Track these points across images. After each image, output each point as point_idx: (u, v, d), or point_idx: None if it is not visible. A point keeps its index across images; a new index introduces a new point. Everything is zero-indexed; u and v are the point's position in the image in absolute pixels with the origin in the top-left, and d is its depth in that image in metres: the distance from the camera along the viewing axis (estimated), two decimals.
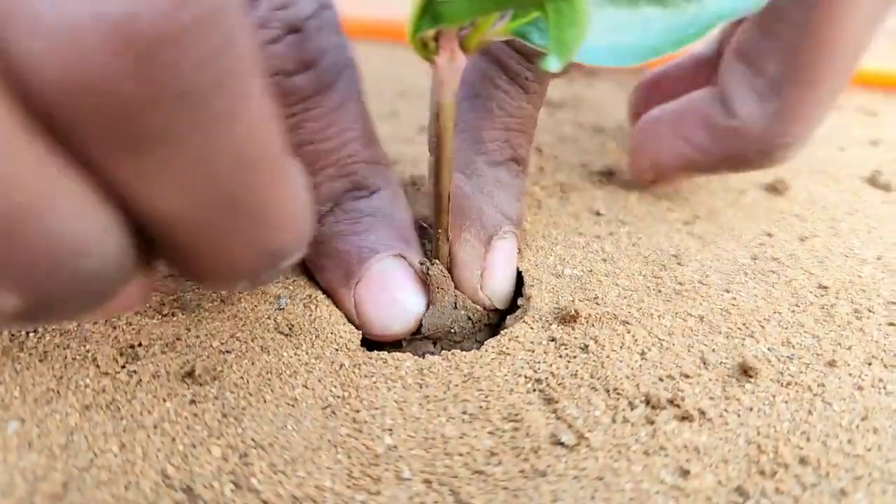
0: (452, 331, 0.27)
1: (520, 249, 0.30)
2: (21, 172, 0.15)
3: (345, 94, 0.25)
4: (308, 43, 0.23)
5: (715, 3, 0.22)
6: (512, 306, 0.29)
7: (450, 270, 0.27)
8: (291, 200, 0.19)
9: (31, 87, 0.14)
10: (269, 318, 0.26)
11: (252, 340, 0.24)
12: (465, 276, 0.27)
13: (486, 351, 0.25)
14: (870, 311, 0.28)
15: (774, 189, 0.37)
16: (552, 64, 0.19)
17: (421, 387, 0.24)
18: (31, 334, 0.24)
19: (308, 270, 0.28)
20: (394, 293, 0.26)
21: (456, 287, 0.27)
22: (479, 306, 0.28)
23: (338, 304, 0.27)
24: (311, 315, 0.26)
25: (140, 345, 0.24)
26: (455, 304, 0.27)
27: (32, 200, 0.15)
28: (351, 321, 0.26)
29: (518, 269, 0.30)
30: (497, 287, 0.28)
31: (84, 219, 0.16)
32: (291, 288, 0.27)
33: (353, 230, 0.26)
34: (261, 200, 0.18)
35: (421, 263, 0.27)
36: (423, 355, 0.25)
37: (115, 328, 0.24)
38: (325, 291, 0.27)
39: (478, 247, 0.27)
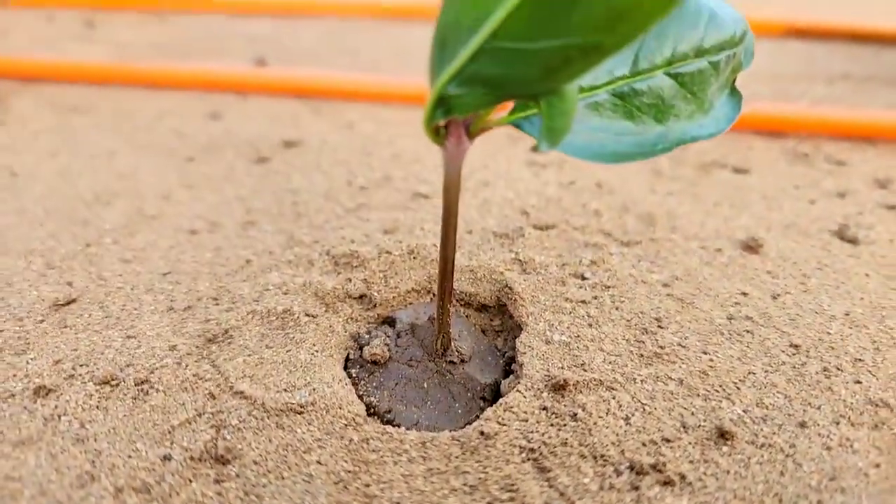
0: (451, 399, 0.29)
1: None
2: None
3: None
4: None
5: (680, 128, 0.25)
6: (507, 372, 0.31)
7: (450, 341, 0.30)
8: None
9: None
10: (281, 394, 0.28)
11: (268, 418, 0.26)
12: None
13: (484, 422, 0.27)
14: (838, 368, 0.31)
15: (749, 247, 0.40)
16: (543, 147, 0.23)
17: (424, 459, 0.26)
18: (63, 417, 0.26)
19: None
20: None
21: None
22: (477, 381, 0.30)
23: None
24: (321, 392, 0.28)
25: (164, 425, 0.26)
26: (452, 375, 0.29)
27: None
28: None
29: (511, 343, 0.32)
30: None
31: None
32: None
33: None
34: None
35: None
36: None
37: (139, 410, 0.26)
38: None
39: None
